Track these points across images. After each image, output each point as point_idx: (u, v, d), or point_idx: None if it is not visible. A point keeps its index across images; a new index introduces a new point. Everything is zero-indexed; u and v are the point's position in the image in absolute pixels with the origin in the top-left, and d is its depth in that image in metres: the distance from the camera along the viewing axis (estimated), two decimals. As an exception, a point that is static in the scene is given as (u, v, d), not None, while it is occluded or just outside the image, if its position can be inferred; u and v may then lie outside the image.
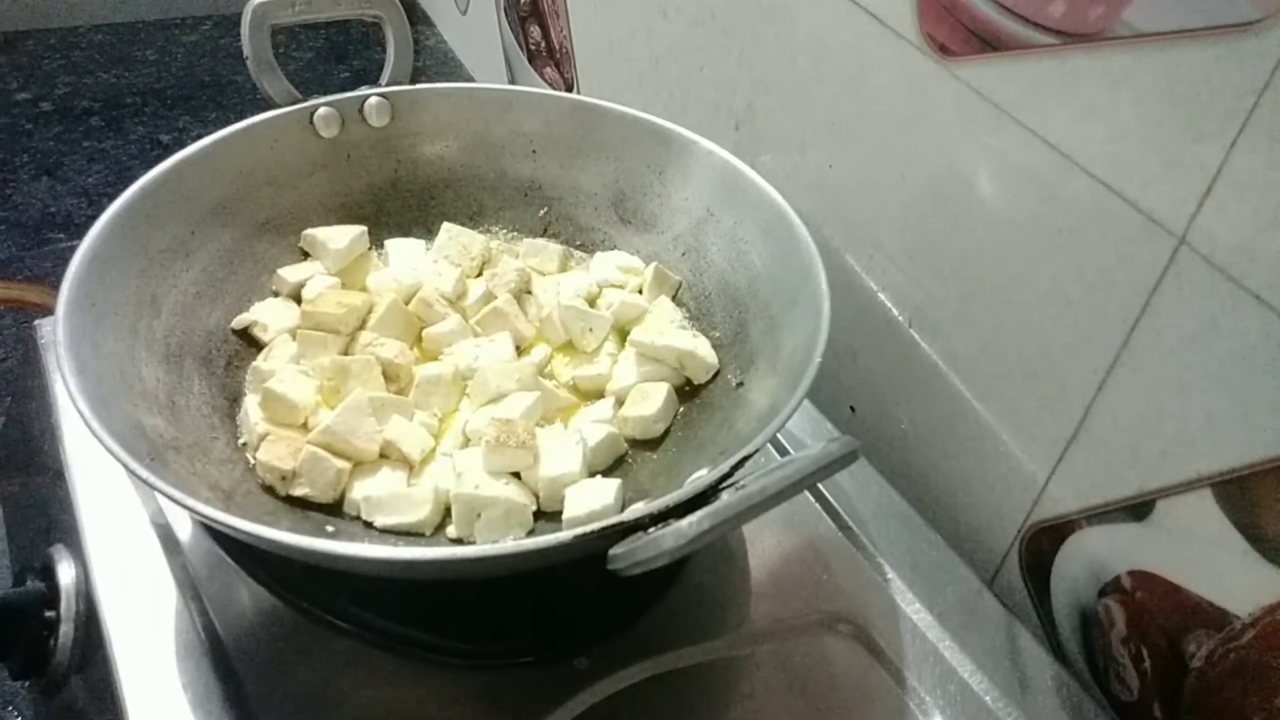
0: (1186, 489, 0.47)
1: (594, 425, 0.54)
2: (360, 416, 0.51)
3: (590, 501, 0.49)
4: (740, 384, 0.56)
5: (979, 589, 0.57)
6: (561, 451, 0.51)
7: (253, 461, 0.51)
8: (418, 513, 0.49)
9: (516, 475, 0.51)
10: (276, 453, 0.50)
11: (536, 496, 0.51)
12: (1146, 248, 0.46)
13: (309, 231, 0.61)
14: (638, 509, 0.40)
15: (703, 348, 0.57)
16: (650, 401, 0.55)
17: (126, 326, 0.51)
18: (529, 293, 0.62)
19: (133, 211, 0.53)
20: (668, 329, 0.59)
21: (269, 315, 0.58)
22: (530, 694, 0.47)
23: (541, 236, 0.66)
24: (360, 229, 0.62)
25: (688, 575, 0.53)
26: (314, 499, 0.50)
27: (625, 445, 0.55)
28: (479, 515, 0.49)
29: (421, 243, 0.64)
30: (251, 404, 0.53)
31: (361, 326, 0.58)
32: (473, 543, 0.49)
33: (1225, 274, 0.43)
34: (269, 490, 0.50)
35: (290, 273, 0.60)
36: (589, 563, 0.40)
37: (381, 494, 0.49)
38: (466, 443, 0.54)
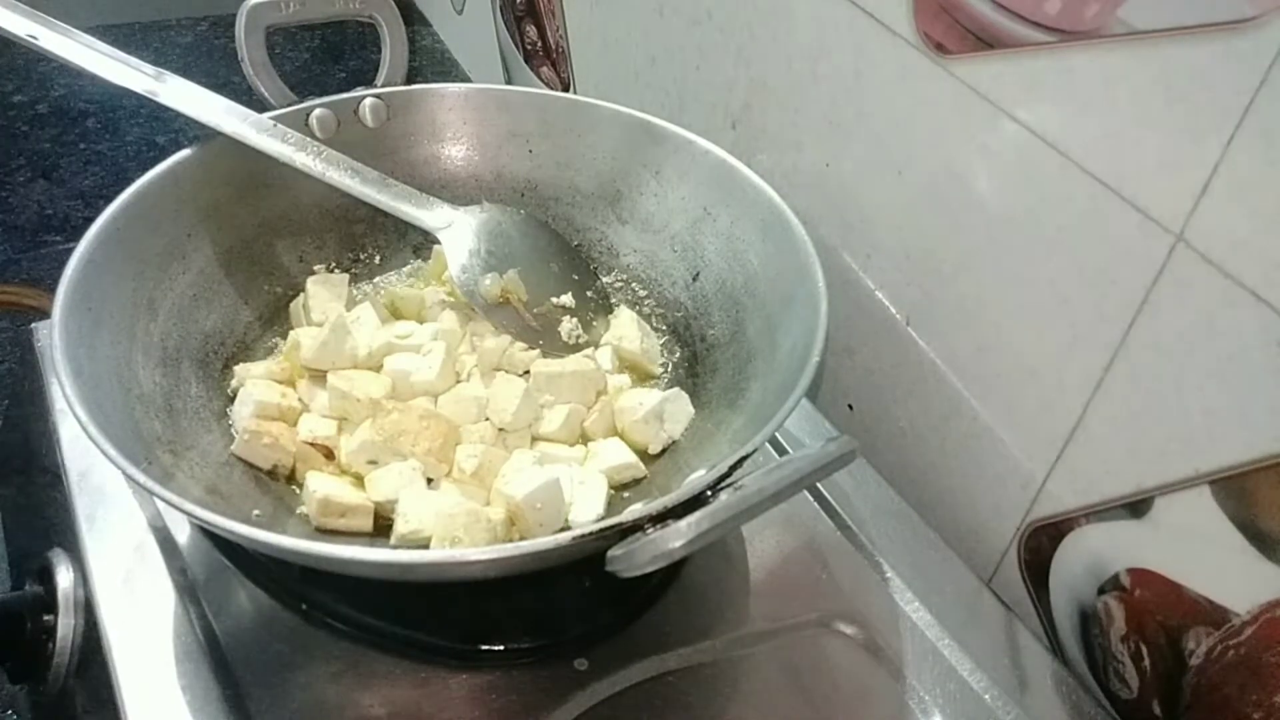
0: (1185, 486, 0.47)
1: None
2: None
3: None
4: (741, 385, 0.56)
5: (978, 587, 0.57)
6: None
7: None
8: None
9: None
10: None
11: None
12: (1144, 245, 0.46)
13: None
14: (636, 510, 0.40)
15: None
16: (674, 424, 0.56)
17: (123, 330, 0.51)
18: None
19: (129, 214, 0.53)
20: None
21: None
22: (530, 694, 0.47)
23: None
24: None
25: (687, 575, 0.53)
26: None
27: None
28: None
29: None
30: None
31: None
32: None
33: (1222, 271, 0.43)
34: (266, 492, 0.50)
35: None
36: (588, 563, 0.40)
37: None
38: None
